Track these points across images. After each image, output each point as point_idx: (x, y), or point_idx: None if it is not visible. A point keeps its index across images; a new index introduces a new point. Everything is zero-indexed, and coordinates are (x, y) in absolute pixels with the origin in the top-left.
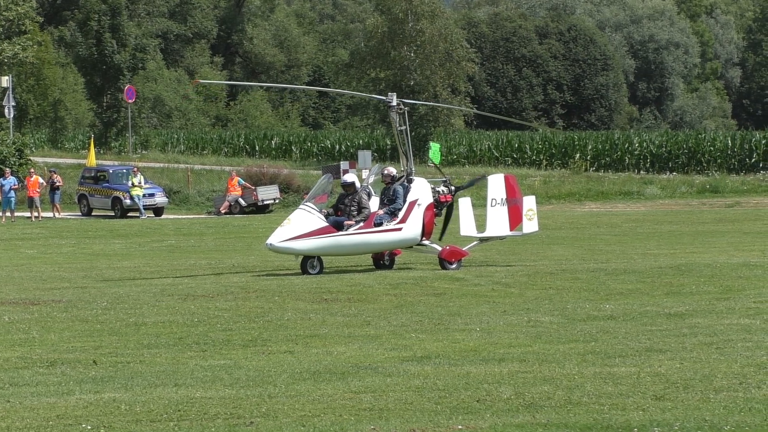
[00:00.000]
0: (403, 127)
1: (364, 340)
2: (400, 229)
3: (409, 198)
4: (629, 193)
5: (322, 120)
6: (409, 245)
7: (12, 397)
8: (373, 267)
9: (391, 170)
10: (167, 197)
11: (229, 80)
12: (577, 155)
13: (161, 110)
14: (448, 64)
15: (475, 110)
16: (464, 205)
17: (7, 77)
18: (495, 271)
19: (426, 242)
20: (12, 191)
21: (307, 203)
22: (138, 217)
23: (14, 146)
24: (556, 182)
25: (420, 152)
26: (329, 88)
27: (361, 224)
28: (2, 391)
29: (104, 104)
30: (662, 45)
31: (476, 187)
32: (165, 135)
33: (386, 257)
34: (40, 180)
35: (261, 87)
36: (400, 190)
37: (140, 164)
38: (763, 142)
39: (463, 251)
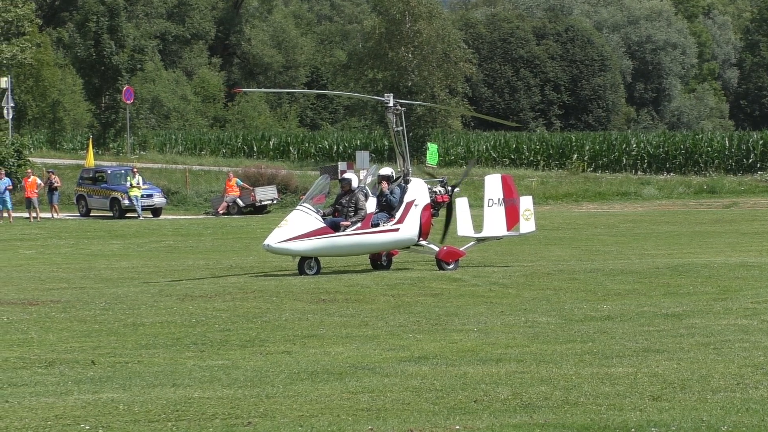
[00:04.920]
0: (400, 128)
1: (362, 340)
2: (397, 230)
3: (406, 198)
4: (626, 193)
5: (320, 121)
6: (407, 246)
7: (10, 397)
8: (371, 267)
9: (387, 170)
10: (165, 198)
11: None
12: (575, 156)
13: (159, 111)
14: (446, 64)
15: (473, 112)
16: (461, 205)
17: (6, 78)
18: (492, 272)
19: (423, 243)
20: (6, 192)
21: (305, 204)
22: (136, 217)
23: (13, 147)
24: (554, 183)
25: (417, 153)
26: (327, 88)
27: (358, 225)
28: (1, 391)
29: (102, 105)
30: (659, 46)
31: (473, 188)
32: (163, 136)
33: (384, 258)
34: (38, 181)
35: (295, 93)
36: (398, 190)
37: (138, 165)
38: (761, 142)
39: (461, 251)
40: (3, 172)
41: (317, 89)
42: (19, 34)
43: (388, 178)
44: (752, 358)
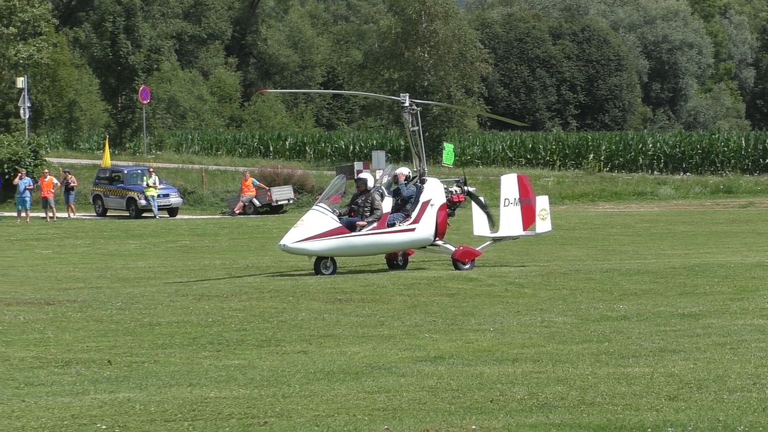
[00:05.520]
0: (416, 128)
1: (378, 340)
2: (413, 230)
3: (422, 198)
4: (643, 193)
5: (336, 121)
6: (423, 245)
7: (27, 397)
8: (387, 267)
9: (403, 170)
10: (182, 198)
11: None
12: (591, 156)
13: (176, 111)
14: (462, 64)
15: (488, 112)
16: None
17: (22, 78)
18: (508, 272)
19: (439, 242)
20: (26, 191)
21: (321, 204)
22: (152, 217)
23: (29, 147)
24: (570, 183)
25: (433, 153)
26: (343, 88)
27: (374, 225)
28: (18, 390)
29: (119, 105)
30: (676, 45)
31: (489, 187)
32: (179, 136)
33: (400, 257)
34: (54, 180)
35: (315, 93)
36: (413, 187)
37: (155, 165)
38: None
39: (477, 251)
40: (24, 172)
41: (333, 89)
42: (35, 34)
43: (405, 177)
44: None
